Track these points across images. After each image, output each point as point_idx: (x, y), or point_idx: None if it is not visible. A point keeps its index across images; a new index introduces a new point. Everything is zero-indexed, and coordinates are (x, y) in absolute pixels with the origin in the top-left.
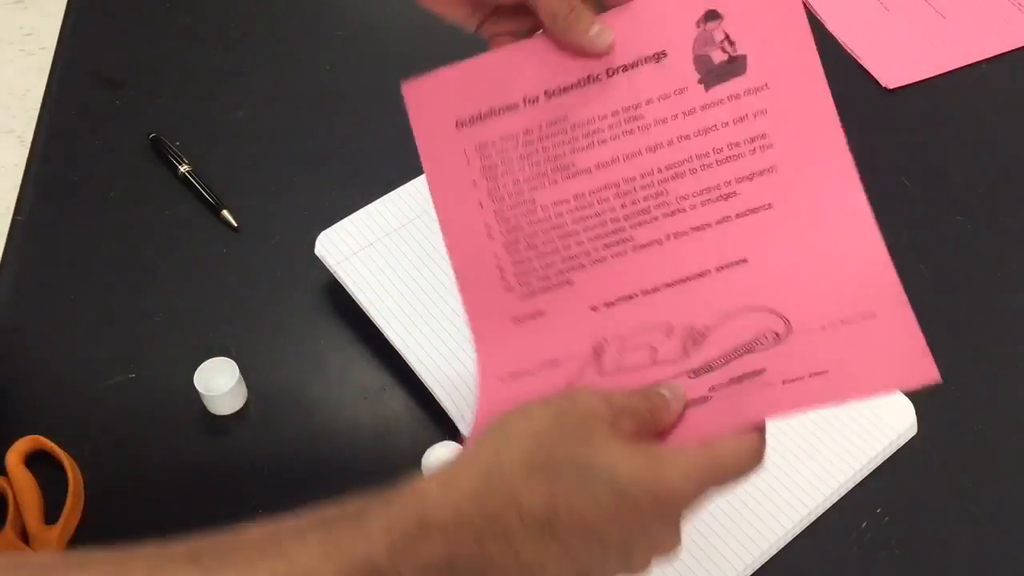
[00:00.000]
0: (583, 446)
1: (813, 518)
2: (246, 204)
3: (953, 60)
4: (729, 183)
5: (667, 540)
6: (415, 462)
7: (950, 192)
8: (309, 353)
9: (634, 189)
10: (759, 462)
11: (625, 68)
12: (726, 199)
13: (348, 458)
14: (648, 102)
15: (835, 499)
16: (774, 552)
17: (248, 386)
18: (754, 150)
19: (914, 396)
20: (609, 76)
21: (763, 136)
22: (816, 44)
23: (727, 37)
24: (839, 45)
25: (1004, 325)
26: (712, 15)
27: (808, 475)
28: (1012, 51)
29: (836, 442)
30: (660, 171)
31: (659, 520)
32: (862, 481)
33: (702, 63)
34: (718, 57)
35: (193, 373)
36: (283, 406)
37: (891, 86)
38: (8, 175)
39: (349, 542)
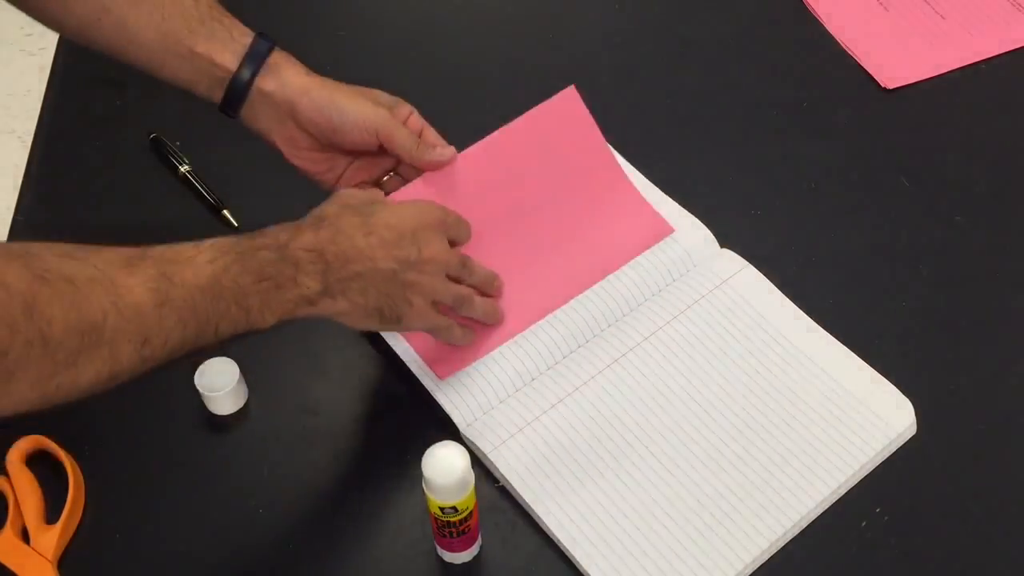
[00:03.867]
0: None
1: (813, 518)
2: (246, 204)
3: (953, 60)
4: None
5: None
6: (415, 462)
7: (950, 192)
8: (309, 353)
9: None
10: None
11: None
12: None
13: (348, 458)
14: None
15: (835, 499)
16: (774, 551)
17: (248, 386)
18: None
19: (914, 396)
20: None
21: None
22: (815, 44)
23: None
24: (839, 45)
25: (1004, 325)
26: None
27: (808, 475)
28: (1012, 51)
29: (836, 442)
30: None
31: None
32: (862, 481)
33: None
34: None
35: (193, 373)
36: (283, 406)
37: (891, 86)
38: (8, 175)
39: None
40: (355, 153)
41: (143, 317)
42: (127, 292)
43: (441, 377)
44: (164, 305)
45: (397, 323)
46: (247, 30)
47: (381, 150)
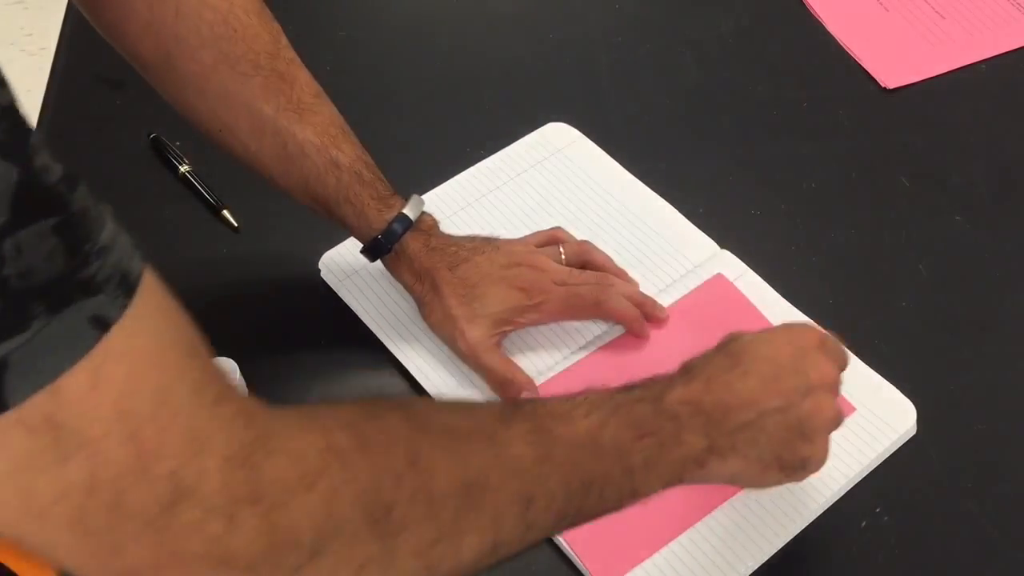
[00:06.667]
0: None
1: (813, 518)
2: (246, 204)
3: (953, 60)
4: None
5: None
6: None
7: (950, 192)
8: (309, 353)
9: None
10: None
11: None
12: None
13: None
14: None
15: (835, 499)
16: (775, 551)
17: (248, 386)
18: None
19: (914, 396)
20: None
21: None
22: (815, 44)
23: None
24: (839, 45)
25: (1004, 325)
26: None
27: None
28: (1012, 51)
29: (836, 442)
30: None
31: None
32: (862, 481)
33: None
34: None
35: None
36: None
37: (891, 86)
38: None
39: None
40: None
41: (525, 472)
42: (507, 444)
43: None
44: (545, 462)
45: (802, 469)
46: (385, 204)
47: None
